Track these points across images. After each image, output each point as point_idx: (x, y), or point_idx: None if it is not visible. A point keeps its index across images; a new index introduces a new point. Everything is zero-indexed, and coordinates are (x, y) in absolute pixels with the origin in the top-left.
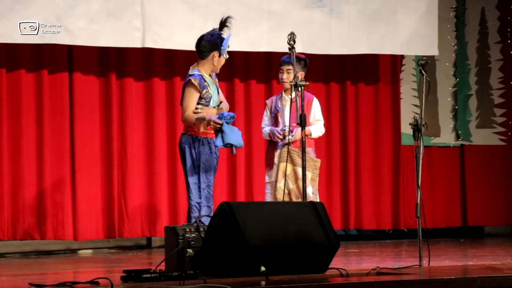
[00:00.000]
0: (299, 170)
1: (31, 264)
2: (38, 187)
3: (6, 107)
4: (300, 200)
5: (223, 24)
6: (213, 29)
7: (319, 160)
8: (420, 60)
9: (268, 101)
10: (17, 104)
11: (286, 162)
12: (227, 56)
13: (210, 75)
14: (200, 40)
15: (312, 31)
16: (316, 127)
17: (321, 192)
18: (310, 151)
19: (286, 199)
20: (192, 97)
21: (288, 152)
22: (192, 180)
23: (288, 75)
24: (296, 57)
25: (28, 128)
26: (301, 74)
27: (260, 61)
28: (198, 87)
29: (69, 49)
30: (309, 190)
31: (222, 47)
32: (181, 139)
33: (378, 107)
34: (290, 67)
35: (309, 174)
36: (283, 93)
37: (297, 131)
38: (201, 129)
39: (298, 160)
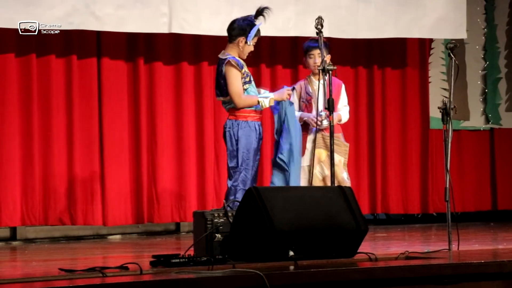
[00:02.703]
0: (333, 156)
1: (61, 249)
2: (68, 173)
3: (36, 92)
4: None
5: (259, 13)
6: (249, 15)
7: (348, 144)
8: (449, 44)
9: (296, 86)
10: (47, 90)
11: (321, 148)
12: (251, 44)
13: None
14: (232, 23)
15: (339, 15)
16: (345, 112)
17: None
18: (340, 136)
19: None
20: (237, 78)
21: (323, 138)
22: (231, 163)
23: (319, 60)
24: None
25: (58, 113)
26: (328, 57)
27: (286, 46)
28: (238, 67)
29: (98, 35)
30: (345, 175)
31: (249, 34)
32: (224, 124)
33: (406, 91)
34: (319, 51)
35: (342, 159)
36: (312, 77)
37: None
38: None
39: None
